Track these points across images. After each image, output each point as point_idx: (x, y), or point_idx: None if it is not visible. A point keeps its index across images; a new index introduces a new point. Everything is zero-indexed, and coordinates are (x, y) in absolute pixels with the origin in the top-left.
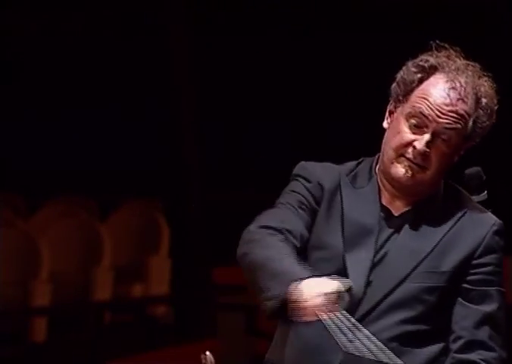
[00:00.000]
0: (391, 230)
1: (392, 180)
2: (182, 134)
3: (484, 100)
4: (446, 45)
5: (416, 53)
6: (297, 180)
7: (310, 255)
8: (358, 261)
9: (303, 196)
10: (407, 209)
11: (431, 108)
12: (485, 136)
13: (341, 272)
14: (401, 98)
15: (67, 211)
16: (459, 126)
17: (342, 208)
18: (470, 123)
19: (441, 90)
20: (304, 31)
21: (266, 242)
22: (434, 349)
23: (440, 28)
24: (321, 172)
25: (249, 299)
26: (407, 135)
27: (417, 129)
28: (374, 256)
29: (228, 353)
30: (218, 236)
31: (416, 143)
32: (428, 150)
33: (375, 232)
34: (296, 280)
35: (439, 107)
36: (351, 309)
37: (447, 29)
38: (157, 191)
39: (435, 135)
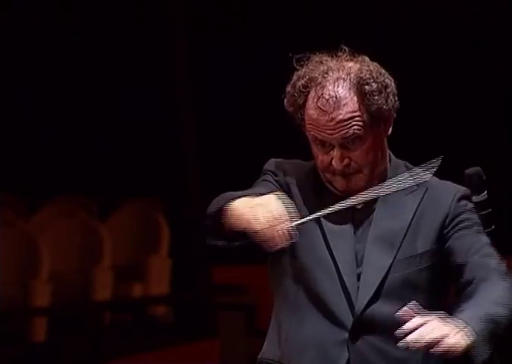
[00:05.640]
0: (360, 223)
1: (343, 193)
2: (182, 134)
3: (367, 85)
4: (307, 54)
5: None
6: (266, 173)
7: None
8: (343, 251)
9: (272, 183)
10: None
11: (320, 131)
12: (484, 137)
13: (328, 260)
14: (299, 123)
15: (67, 211)
16: (355, 127)
17: (315, 201)
18: (364, 113)
19: (317, 110)
20: (303, 30)
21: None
22: None
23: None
24: (288, 169)
25: (249, 299)
26: (324, 157)
27: (326, 148)
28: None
29: (228, 352)
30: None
31: (333, 162)
32: (346, 162)
33: (350, 222)
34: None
35: (325, 126)
36: (352, 302)
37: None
38: (157, 191)
39: (342, 146)
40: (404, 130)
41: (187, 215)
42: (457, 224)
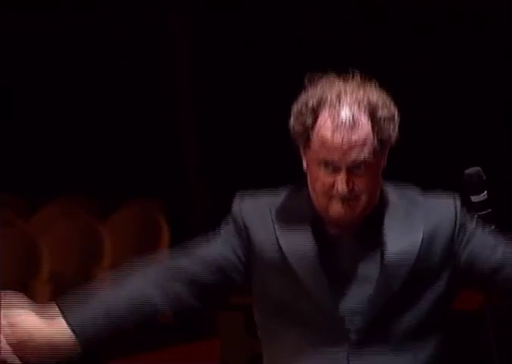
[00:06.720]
0: (358, 251)
1: (337, 220)
2: (182, 134)
3: (380, 112)
4: (318, 74)
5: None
6: (227, 220)
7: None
8: (319, 285)
9: (231, 235)
10: (363, 229)
11: (331, 153)
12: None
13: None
14: (303, 144)
15: (67, 211)
16: (365, 151)
17: (280, 245)
18: (375, 139)
19: (331, 131)
20: (304, 32)
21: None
22: (438, 341)
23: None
24: (250, 211)
25: (249, 299)
26: (326, 179)
27: (332, 171)
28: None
29: (228, 352)
30: None
31: (337, 186)
32: (351, 187)
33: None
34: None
35: (337, 148)
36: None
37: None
38: (157, 191)
39: (349, 170)
40: (403, 130)
41: (187, 216)
42: (464, 235)
